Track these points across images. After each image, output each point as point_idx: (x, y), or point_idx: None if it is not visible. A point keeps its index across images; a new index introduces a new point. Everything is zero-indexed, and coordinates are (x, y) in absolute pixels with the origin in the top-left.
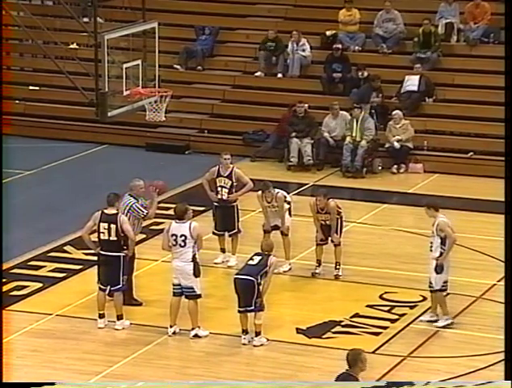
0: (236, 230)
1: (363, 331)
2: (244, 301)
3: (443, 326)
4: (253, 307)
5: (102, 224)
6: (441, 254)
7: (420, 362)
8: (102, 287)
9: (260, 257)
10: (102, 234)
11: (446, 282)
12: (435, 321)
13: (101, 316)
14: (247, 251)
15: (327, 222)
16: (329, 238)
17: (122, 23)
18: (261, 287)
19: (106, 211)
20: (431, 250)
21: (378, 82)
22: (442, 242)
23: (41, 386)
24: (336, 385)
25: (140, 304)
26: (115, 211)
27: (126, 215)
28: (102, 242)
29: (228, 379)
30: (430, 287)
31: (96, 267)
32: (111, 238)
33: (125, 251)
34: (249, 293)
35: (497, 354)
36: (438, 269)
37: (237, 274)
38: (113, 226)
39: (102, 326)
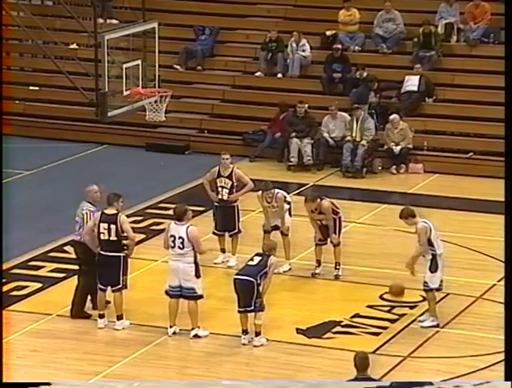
0: (236, 231)
1: (363, 331)
2: (243, 302)
3: (428, 327)
4: (252, 307)
5: (102, 224)
6: (432, 255)
7: (420, 362)
8: (102, 287)
9: (260, 258)
10: (102, 235)
11: (441, 281)
12: (436, 324)
13: (101, 316)
14: (247, 252)
15: (323, 222)
16: (328, 239)
17: (122, 23)
18: (260, 287)
19: (106, 211)
20: (424, 257)
21: (374, 84)
22: (430, 244)
23: (41, 386)
24: (335, 385)
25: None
26: (115, 211)
27: (82, 222)
28: (102, 242)
29: (228, 379)
30: (424, 286)
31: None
32: (111, 238)
33: (125, 252)
34: (248, 294)
35: (497, 354)
36: (433, 268)
37: (236, 274)
38: (113, 226)
39: (102, 327)
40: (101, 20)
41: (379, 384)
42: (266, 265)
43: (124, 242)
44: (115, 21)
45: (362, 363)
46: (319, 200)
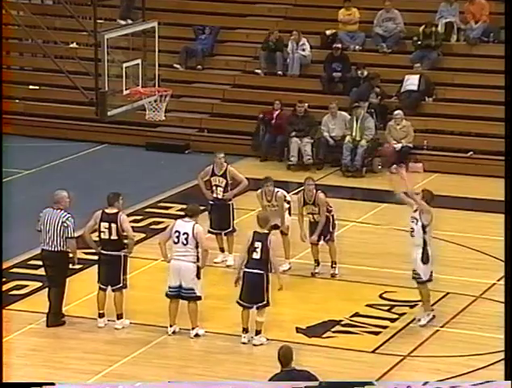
0: (231, 229)
1: (363, 330)
2: (253, 296)
3: (426, 324)
4: (265, 302)
5: (102, 223)
6: (424, 243)
7: (420, 361)
8: (102, 287)
9: (260, 244)
10: (102, 234)
11: (431, 272)
12: (432, 316)
13: (101, 315)
14: None
15: (315, 217)
16: (322, 238)
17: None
18: (270, 280)
19: (106, 210)
20: (412, 236)
21: (377, 81)
22: (424, 229)
23: (41, 386)
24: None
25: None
26: (115, 210)
27: (60, 231)
28: (102, 242)
29: (227, 378)
30: (416, 278)
31: (96, 266)
32: (111, 238)
33: (125, 251)
34: (259, 287)
35: (497, 353)
36: (424, 259)
37: (246, 267)
38: (114, 226)
39: (102, 326)
40: (122, 22)
41: (308, 384)
42: (268, 249)
43: (125, 241)
44: (130, 21)
45: (285, 356)
46: (315, 191)
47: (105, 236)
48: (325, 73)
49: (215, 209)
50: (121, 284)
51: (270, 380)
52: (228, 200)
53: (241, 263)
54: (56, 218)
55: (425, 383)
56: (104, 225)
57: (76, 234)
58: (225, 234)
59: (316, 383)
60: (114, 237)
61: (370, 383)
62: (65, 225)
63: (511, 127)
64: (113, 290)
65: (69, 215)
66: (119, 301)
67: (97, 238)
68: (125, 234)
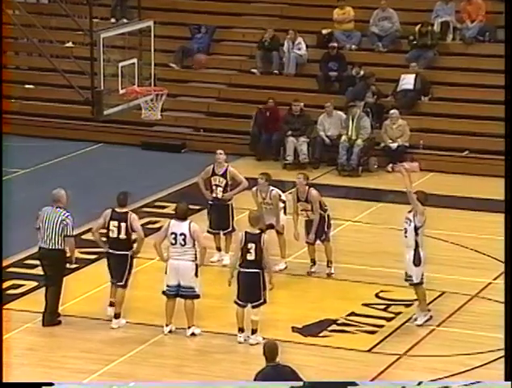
0: (230, 229)
1: (359, 329)
2: (250, 295)
3: (423, 324)
4: (262, 300)
5: (112, 222)
6: (416, 245)
7: (416, 361)
8: (113, 281)
9: (254, 245)
10: (111, 232)
11: (423, 274)
12: (430, 316)
13: (111, 304)
14: None
15: (309, 215)
16: (318, 238)
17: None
18: (266, 278)
19: (117, 209)
20: (406, 237)
21: (373, 80)
22: (416, 231)
23: (41, 387)
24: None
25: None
26: (125, 209)
27: (59, 229)
28: (111, 241)
29: (224, 378)
30: (408, 280)
31: (92, 266)
32: (120, 236)
33: (133, 250)
34: (257, 286)
35: (493, 352)
36: (417, 261)
37: (241, 267)
38: (123, 224)
39: (110, 314)
40: (113, 20)
41: (292, 384)
42: (262, 250)
43: (133, 237)
44: (125, 20)
45: (271, 351)
46: (307, 187)
47: (113, 235)
48: (320, 72)
49: (214, 209)
50: (123, 283)
51: (256, 375)
52: (227, 200)
53: (235, 264)
54: (56, 216)
55: (420, 383)
56: (114, 223)
57: (74, 233)
58: (224, 234)
59: (300, 383)
60: (122, 236)
61: (353, 383)
62: (64, 223)
63: (511, 126)
64: (117, 286)
65: (68, 213)
66: (120, 300)
67: (104, 237)
68: (134, 233)
